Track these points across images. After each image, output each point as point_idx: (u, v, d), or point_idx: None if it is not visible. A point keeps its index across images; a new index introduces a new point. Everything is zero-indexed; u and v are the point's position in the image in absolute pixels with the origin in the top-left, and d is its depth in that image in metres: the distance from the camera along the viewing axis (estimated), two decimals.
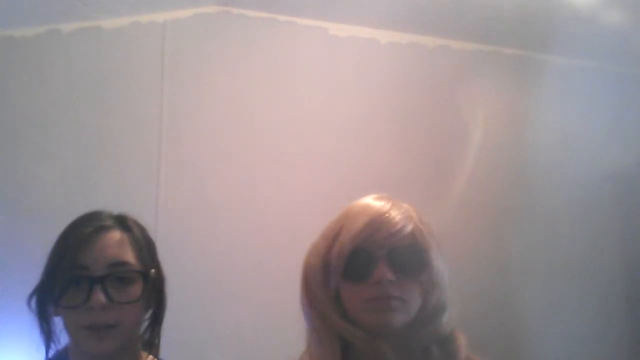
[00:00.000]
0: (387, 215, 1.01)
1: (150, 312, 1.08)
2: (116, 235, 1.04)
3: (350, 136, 2.28)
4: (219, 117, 2.21)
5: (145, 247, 1.07)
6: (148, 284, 1.03)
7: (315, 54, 2.34)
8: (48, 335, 1.03)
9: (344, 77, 2.33)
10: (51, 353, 1.06)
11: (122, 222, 1.07)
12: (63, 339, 1.05)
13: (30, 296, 1.03)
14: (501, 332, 2.15)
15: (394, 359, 0.96)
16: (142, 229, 1.10)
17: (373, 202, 1.05)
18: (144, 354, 1.09)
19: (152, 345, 1.10)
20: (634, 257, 2.38)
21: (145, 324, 1.08)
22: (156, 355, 1.11)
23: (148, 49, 2.20)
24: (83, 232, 1.01)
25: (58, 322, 1.04)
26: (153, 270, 1.06)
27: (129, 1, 2.13)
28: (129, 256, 1.03)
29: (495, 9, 2.19)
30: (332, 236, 1.03)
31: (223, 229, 2.12)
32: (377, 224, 1.00)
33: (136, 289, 1.01)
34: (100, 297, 0.96)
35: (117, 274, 1.00)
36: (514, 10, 2.18)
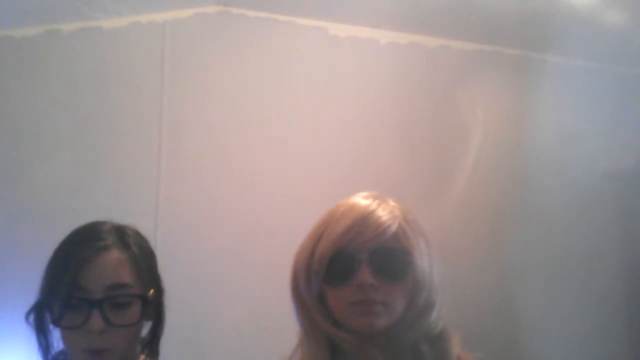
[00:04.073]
0: (371, 215, 0.99)
1: (149, 326, 1.08)
2: (115, 255, 1.03)
3: (350, 136, 2.28)
4: (219, 117, 2.21)
5: (144, 265, 1.06)
6: (147, 306, 1.04)
7: (315, 54, 2.34)
8: (46, 349, 1.04)
9: (344, 77, 2.33)
10: (50, 357, 1.06)
11: (121, 238, 1.06)
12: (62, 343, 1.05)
13: (29, 313, 1.03)
14: (500, 332, 2.15)
15: None
16: (140, 245, 1.08)
17: (360, 201, 1.03)
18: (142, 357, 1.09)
19: (151, 351, 1.10)
20: (634, 257, 2.38)
21: (144, 338, 1.09)
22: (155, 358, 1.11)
23: (148, 49, 2.20)
24: (82, 252, 1.00)
25: (55, 331, 1.04)
26: (152, 292, 1.05)
27: (129, 1, 2.13)
28: (128, 277, 1.02)
29: (496, 9, 2.19)
30: (317, 236, 1.02)
31: (223, 229, 2.12)
32: (360, 225, 0.98)
33: (134, 312, 1.01)
34: (98, 321, 0.96)
35: (116, 298, 0.99)
36: (514, 10, 2.18)
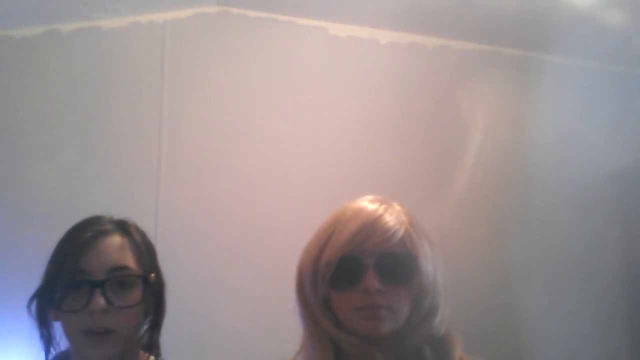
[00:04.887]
0: (378, 220, 0.99)
1: (149, 317, 1.08)
2: (116, 239, 1.04)
3: (350, 136, 2.28)
4: (219, 117, 2.21)
5: (145, 251, 1.07)
6: (148, 288, 1.04)
7: (315, 54, 2.34)
8: (48, 341, 1.04)
9: (344, 77, 2.33)
10: (51, 357, 1.06)
11: (122, 226, 1.07)
12: (63, 343, 1.05)
13: (30, 300, 1.03)
14: (501, 332, 2.15)
15: None
16: (142, 234, 1.10)
17: (367, 205, 1.03)
18: (143, 354, 1.09)
19: (152, 347, 1.10)
20: (634, 257, 2.38)
21: (145, 328, 1.08)
22: (157, 356, 1.11)
23: (148, 49, 2.20)
24: (83, 236, 1.02)
25: (58, 327, 1.04)
26: (153, 275, 1.06)
27: (129, 1, 2.13)
28: (129, 261, 1.03)
29: (496, 9, 2.19)
30: (324, 240, 1.02)
31: (223, 229, 2.12)
32: (367, 230, 0.98)
33: (136, 294, 1.02)
34: (100, 301, 0.97)
35: (117, 279, 1.00)
36: (514, 10, 2.18)
